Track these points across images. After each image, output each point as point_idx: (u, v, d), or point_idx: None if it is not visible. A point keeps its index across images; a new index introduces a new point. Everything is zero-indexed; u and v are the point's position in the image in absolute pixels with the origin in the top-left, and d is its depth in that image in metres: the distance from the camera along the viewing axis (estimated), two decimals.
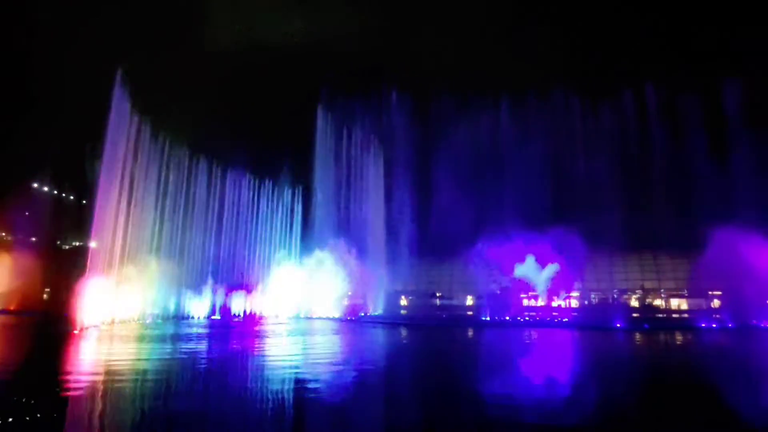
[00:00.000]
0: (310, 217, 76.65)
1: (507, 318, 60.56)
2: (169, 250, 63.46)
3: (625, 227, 58.78)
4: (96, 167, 43.24)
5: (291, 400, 14.09)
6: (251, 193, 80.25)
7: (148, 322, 48.99)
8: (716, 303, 61.48)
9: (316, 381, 17.21)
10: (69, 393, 14.12)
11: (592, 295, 70.16)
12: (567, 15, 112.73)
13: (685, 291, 67.89)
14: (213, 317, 61.59)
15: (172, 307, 58.53)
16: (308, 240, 74.57)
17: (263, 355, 24.96)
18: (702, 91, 63.67)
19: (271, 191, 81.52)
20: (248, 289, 69.17)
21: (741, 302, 51.56)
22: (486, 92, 74.20)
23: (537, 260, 63.24)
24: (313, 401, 13.90)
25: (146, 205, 57.27)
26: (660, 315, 64.76)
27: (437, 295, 75.95)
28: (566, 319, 60.24)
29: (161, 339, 31.90)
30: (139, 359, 22.89)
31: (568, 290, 65.92)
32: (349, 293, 69.94)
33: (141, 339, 31.67)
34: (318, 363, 21.91)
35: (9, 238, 72.76)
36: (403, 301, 75.74)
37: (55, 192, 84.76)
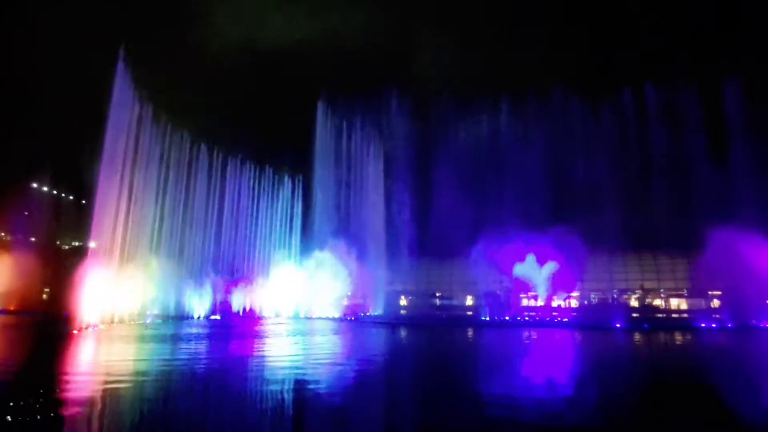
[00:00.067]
0: (310, 216, 76.73)
1: (507, 318, 60.58)
2: (168, 248, 63.55)
3: (625, 227, 58.80)
4: (96, 164, 43.24)
5: (294, 401, 14.08)
6: (251, 191, 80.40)
7: (147, 321, 48.96)
8: (716, 303, 61.50)
9: (318, 381, 17.21)
10: (68, 394, 14.09)
11: (592, 295, 70.20)
12: (567, 15, 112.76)
13: (685, 291, 67.94)
14: (213, 317, 61.60)
15: (171, 307, 58.53)
16: (308, 239, 74.63)
17: (264, 356, 24.94)
18: (702, 91, 63.76)
19: (271, 191, 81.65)
20: (248, 288, 69.22)
21: (741, 302, 51.56)
22: (486, 92, 74.32)
23: (537, 260, 63.25)
24: (316, 402, 13.90)
25: (146, 202, 57.31)
26: (659, 315, 64.78)
27: (437, 295, 75.99)
28: (566, 319, 60.25)
29: (161, 339, 31.89)
30: (138, 360, 22.87)
31: (568, 290, 65.94)
32: (349, 293, 69.95)
33: (141, 339, 31.64)
34: (320, 363, 21.91)
35: (9, 238, 72.76)
36: (403, 301, 75.78)
37: (55, 192, 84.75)
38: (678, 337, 41.34)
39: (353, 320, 60.85)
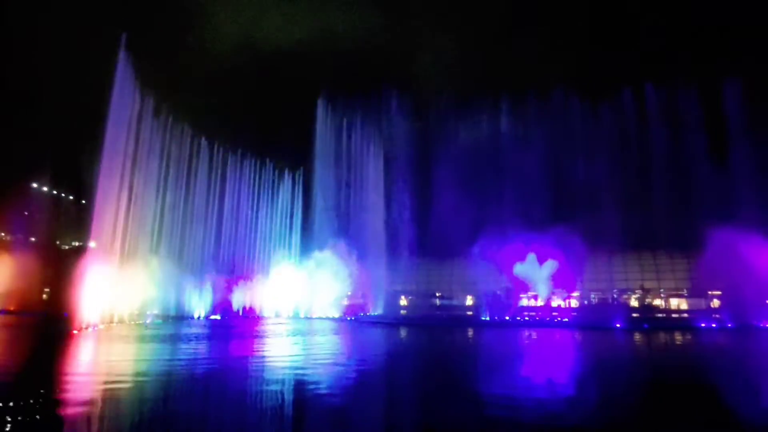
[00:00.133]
0: (309, 216, 76.77)
1: (507, 318, 60.62)
2: (168, 247, 63.55)
3: (625, 227, 58.84)
4: (96, 162, 43.26)
5: (295, 402, 14.08)
6: (251, 190, 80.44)
7: (147, 321, 48.96)
8: (716, 303, 61.52)
9: (319, 382, 17.20)
10: (68, 395, 14.09)
11: (592, 295, 70.23)
12: (567, 15, 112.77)
13: (685, 291, 67.97)
14: (212, 317, 61.61)
15: (171, 307, 58.55)
16: (308, 239, 74.67)
17: (265, 356, 24.93)
18: (702, 91, 63.78)
19: (271, 190, 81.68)
20: (248, 288, 69.24)
21: (740, 302, 51.58)
22: (486, 92, 74.34)
23: (537, 260, 63.26)
24: (317, 402, 13.89)
25: (146, 201, 57.38)
26: (659, 315, 64.79)
27: (437, 295, 75.99)
28: (566, 319, 60.28)
29: (161, 339, 31.89)
30: (138, 360, 22.87)
31: (568, 290, 65.99)
32: (349, 293, 69.98)
33: (141, 340, 31.64)
34: (320, 363, 21.91)
35: (9, 238, 72.76)
36: (403, 301, 75.79)
37: (55, 192, 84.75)
38: (678, 337, 41.35)
39: (353, 320, 60.87)
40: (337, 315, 65.81)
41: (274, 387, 16.36)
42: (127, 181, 49.35)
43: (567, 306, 67.41)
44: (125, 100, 47.38)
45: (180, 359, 22.93)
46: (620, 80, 72.04)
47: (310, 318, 64.01)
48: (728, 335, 43.53)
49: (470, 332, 46.46)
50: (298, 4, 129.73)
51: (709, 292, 63.09)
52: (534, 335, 41.72)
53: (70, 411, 12.12)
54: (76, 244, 73.43)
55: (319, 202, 75.22)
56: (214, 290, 64.94)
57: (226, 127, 77.55)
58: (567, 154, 67.54)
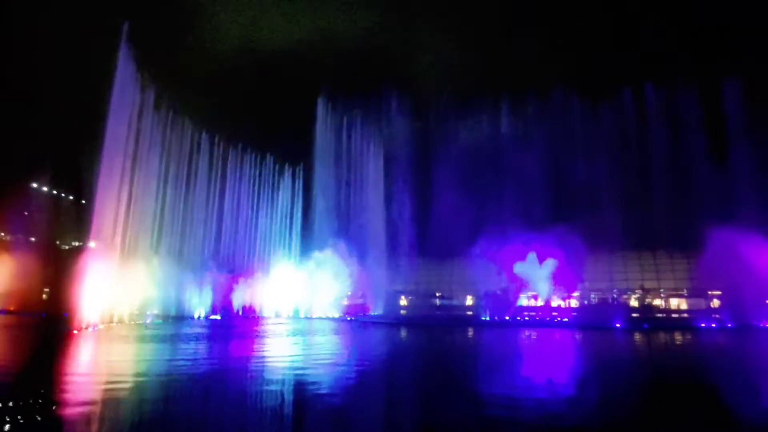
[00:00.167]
0: (310, 216, 76.77)
1: (507, 318, 60.61)
2: (168, 246, 63.52)
3: (625, 227, 58.83)
4: (96, 160, 43.28)
5: (296, 403, 14.07)
6: (252, 189, 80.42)
7: (147, 321, 48.95)
8: (716, 303, 61.50)
9: (319, 383, 17.19)
10: (68, 395, 14.09)
11: (592, 295, 70.16)
12: (567, 15, 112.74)
13: (685, 291, 67.92)
14: (212, 316, 61.60)
15: (171, 306, 58.53)
16: (308, 239, 74.68)
17: (266, 356, 24.94)
18: (702, 91, 63.78)
19: (271, 189, 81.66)
20: (248, 287, 69.21)
21: (740, 302, 51.58)
22: (486, 92, 74.30)
23: (537, 259, 63.26)
24: (318, 403, 13.88)
25: (146, 199, 57.39)
26: (659, 315, 64.78)
27: (437, 295, 75.95)
28: (566, 319, 60.29)
29: (161, 339, 31.88)
30: (139, 361, 22.87)
31: (568, 289, 65.94)
32: (349, 293, 69.97)
33: (141, 340, 31.62)
34: (321, 364, 21.92)
35: (9, 238, 72.73)
36: (403, 301, 75.75)
37: (55, 192, 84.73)
38: (678, 337, 41.35)
39: (353, 320, 60.86)
40: (337, 315, 65.82)
41: (275, 387, 16.36)
42: (128, 179, 49.41)
43: (567, 306, 67.37)
44: (126, 94, 47.51)
45: (181, 359, 22.93)
46: (620, 80, 72.03)
47: (310, 318, 64.00)
48: (728, 335, 43.53)
49: (470, 332, 46.47)
50: (298, 3, 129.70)
51: (709, 292, 63.07)
52: (534, 335, 41.73)
53: (70, 412, 12.12)
54: (76, 244, 73.38)
55: (320, 202, 75.22)
56: (214, 290, 64.92)
57: (226, 124, 77.49)
58: (567, 154, 67.60)
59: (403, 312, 71.43)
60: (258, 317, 64.69)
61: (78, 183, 53.13)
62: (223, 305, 65.57)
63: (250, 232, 79.49)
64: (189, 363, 21.81)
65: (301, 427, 11.75)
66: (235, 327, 45.73)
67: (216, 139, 75.89)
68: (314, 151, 77.25)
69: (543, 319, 60.25)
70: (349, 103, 77.04)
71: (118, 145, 46.48)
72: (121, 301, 47.01)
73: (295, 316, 66.54)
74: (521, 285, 64.42)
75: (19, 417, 10.55)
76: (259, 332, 39.84)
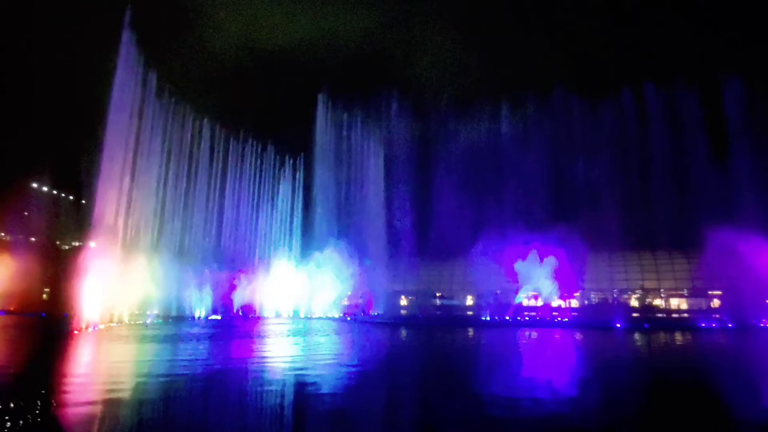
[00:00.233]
0: (310, 216, 76.74)
1: (507, 318, 60.61)
2: (169, 245, 63.44)
3: (625, 227, 58.82)
4: (96, 159, 43.28)
5: (298, 403, 14.04)
6: (252, 188, 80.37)
7: (148, 322, 48.91)
8: (716, 303, 61.52)
9: (321, 383, 17.16)
10: (69, 396, 14.06)
11: (592, 295, 70.15)
12: (567, 15, 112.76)
13: (685, 291, 67.91)
14: (213, 317, 61.54)
15: (172, 306, 58.44)
16: (308, 239, 74.65)
17: (267, 357, 24.93)
18: (702, 91, 63.81)
19: (271, 189, 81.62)
20: (248, 287, 69.17)
21: (741, 302, 51.60)
22: (486, 92, 74.36)
23: (537, 259, 63.26)
24: (320, 404, 13.87)
25: (146, 198, 57.31)
26: (660, 315, 64.79)
27: (437, 295, 75.94)
28: (566, 319, 60.31)
29: (162, 340, 31.84)
30: (139, 361, 22.84)
31: (569, 290, 65.93)
32: (349, 293, 69.95)
33: (141, 340, 31.58)
34: (321, 364, 21.91)
35: (9, 238, 72.69)
36: (403, 301, 75.74)
37: (55, 192, 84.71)
38: (678, 337, 41.35)
39: (353, 320, 60.84)
40: (337, 315, 65.82)
41: (276, 388, 16.35)
42: (128, 178, 49.36)
43: (567, 306, 67.37)
44: (127, 91, 47.43)
45: (181, 360, 22.91)
46: (620, 80, 72.11)
47: (310, 318, 63.97)
48: (729, 335, 43.52)
49: (470, 332, 46.45)
50: (300, 2, 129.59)
51: (710, 292, 63.09)
52: (534, 335, 41.72)
53: (70, 413, 12.10)
54: (76, 244, 73.38)
55: (320, 202, 75.18)
56: (215, 289, 64.82)
57: (227, 121, 77.44)
58: (567, 154, 67.58)
59: (403, 312, 71.43)
60: (258, 317, 64.66)
61: (78, 183, 53.13)
62: (223, 305, 65.52)
63: (250, 230, 79.45)
64: (190, 364, 21.78)
65: (302, 427, 11.74)
66: (235, 327, 45.71)
67: (217, 135, 75.85)
68: (314, 149, 77.26)
69: (543, 319, 60.26)
70: (350, 103, 77.13)
71: (119, 143, 46.42)
72: (121, 301, 46.95)
73: (295, 316, 66.51)
74: (521, 285, 64.43)
75: (19, 418, 10.53)
76: (259, 332, 39.83)
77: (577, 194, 62.88)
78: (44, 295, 64.67)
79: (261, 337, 36.06)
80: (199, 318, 60.19)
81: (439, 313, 68.74)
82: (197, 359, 23.29)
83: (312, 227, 75.12)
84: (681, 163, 61.77)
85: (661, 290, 69.07)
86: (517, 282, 63.97)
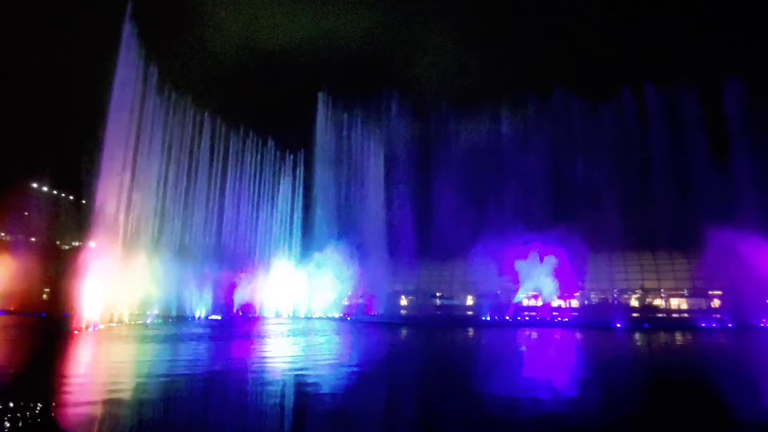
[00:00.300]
0: (310, 216, 76.70)
1: (507, 318, 60.61)
2: (169, 245, 63.41)
3: (625, 227, 58.79)
4: (96, 158, 43.24)
5: (300, 404, 14.03)
6: (253, 187, 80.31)
7: (148, 322, 48.88)
8: (716, 303, 61.53)
9: (322, 384, 17.15)
10: (69, 397, 14.05)
11: (592, 295, 70.19)
12: (567, 15, 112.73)
13: (685, 291, 67.94)
14: (213, 317, 61.51)
15: (172, 307, 58.41)
16: (309, 239, 74.61)
17: (267, 357, 24.92)
18: (702, 91, 63.80)
19: (272, 188, 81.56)
20: (248, 287, 69.16)
21: (741, 302, 51.60)
22: (486, 92, 74.38)
23: (537, 259, 63.26)
24: (322, 405, 13.86)
25: (147, 198, 57.24)
26: (660, 315, 64.81)
27: (437, 295, 75.95)
28: (566, 319, 60.32)
29: (162, 340, 31.81)
30: (140, 362, 22.83)
31: (569, 290, 65.96)
32: (349, 293, 69.93)
33: (142, 340, 31.56)
34: (322, 365, 21.91)
35: (9, 238, 72.67)
36: (404, 301, 75.75)
37: (55, 192, 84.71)
38: (678, 337, 41.33)
39: (353, 320, 60.82)
40: (337, 315, 65.81)
41: (276, 388, 16.33)
42: (128, 177, 49.28)
43: (567, 306, 67.39)
44: (127, 89, 47.35)
45: (182, 360, 22.89)
46: (620, 80, 72.13)
47: (311, 318, 63.95)
48: (729, 335, 43.51)
49: (470, 332, 46.42)
50: (300, 2, 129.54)
51: (710, 292, 63.12)
52: (534, 335, 41.70)
53: (70, 413, 12.09)
54: (76, 244, 73.36)
55: (320, 202, 75.14)
56: (215, 289, 64.79)
57: (228, 118, 77.38)
58: (567, 154, 67.56)
59: (403, 312, 71.43)
60: (258, 317, 64.63)
61: (78, 183, 53.14)
62: (223, 305, 65.49)
63: (250, 229, 79.41)
64: (190, 364, 21.78)
65: (302, 428, 11.74)
66: (235, 327, 45.68)
67: (217, 133, 75.79)
68: (314, 149, 77.25)
69: (543, 319, 60.26)
70: (350, 103, 77.13)
71: (119, 142, 46.34)
72: (122, 301, 46.92)
73: (295, 316, 66.48)
74: (522, 284, 64.44)
75: (19, 418, 10.52)
76: (259, 332, 39.81)
77: (578, 194, 62.90)
78: (44, 295, 64.64)
79: (261, 337, 36.04)
80: (199, 318, 60.18)
81: (439, 313, 68.76)
82: (198, 359, 23.28)
83: (312, 227, 75.12)
84: (681, 163, 61.78)
85: (662, 290, 69.10)
86: (518, 282, 64.01)
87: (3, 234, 74.37)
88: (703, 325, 51.34)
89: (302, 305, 68.15)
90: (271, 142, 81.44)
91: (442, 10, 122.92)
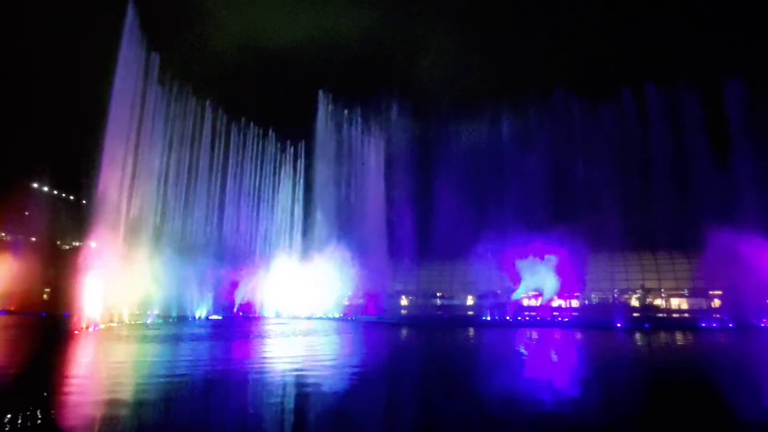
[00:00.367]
0: (310, 216, 76.63)
1: (508, 318, 60.57)
2: (169, 245, 63.35)
3: (626, 227, 58.75)
4: (96, 157, 43.20)
5: (301, 405, 14.00)
6: (253, 186, 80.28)
7: (148, 322, 48.86)
8: (717, 303, 61.50)
9: (323, 384, 17.14)
10: (68, 397, 14.03)
11: (593, 295, 70.18)
12: (567, 16, 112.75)
13: (686, 291, 67.94)
14: (213, 317, 61.50)
15: (172, 307, 58.36)
16: (309, 239, 74.56)
17: (268, 357, 24.91)
18: (703, 91, 63.77)
19: (272, 188, 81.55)
20: (249, 287, 69.13)
21: (741, 302, 51.57)
22: (487, 93, 74.36)
23: (538, 259, 63.26)
24: (322, 404, 13.84)
25: (147, 197, 57.21)
26: (660, 315, 64.77)
27: (438, 295, 75.95)
28: (567, 319, 60.27)
29: (163, 340, 31.78)
30: (141, 362, 22.81)
31: (569, 290, 65.94)
32: (350, 293, 69.91)
33: (142, 340, 31.54)
34: (324, 365, 21.89)
35: (9, 238, 72.67)
36: (404, 301, 75.75)
37: (55, 192, 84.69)
38: (679, 337, 41.29)
39: (354, 320, 60.79)
40: (338, 315, 65.77)
41: (277, 389, 16.31)
42: (128, 176, 49.23)
43: (568, 306, 67.37)
44: (128, 87, 47.33)
45: (182, 361, 22.87)
46: (620, 80, 72.10)
47: (311, 318, 63.91)
48: (729, 335, 43.48)
49: (471, 332, 46.39)
50: (301, 2, 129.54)
51: (710, 292, 63.09)
52: (535, 335, 41.67)
53: (70, 414, 12.06)
54: (76, 244, 73.32)
55: (320, 203, 75.10)
56: (215, 289, 64.75)
57: (229, 116, 77.31)
58: (568, 154, 67.52)
59: (403, 312, 71.41)
60: (258, 317, 64.61)
61: (78, 183, 53.08)
62: (223, 305, 65.46)
63: (250, 229, 79.39)
64: (191, 364, 21.76)
65: (303, 428, 11.71)
66: (236, 327, 45.66)
67: (217, 133, 75.75)
68: (315, 150, 77.24)
69: (544, 319, 60.22)
70: (350, 102, 77.16)
71: (119, 140, 46.29)
72: (122, 301, 46.88)
73: (296, 316, 66.45)
74: (522, 284, 64.43)
75: (19, 418, 10.49)
76: (260, 332, 39.78)
77: (578, 194, 62.82)
78: (44, 295, 64.62)
79: (262, 337, 36.01)
80: (199, 318, 60.15)
81: (439, 313, 68.74)
82: (198, 360, 23.25)
83: (313, 227, 75.07)
84: (682, 163, 61.71)
85: (662, 290, 69.10)
86: (518, 282, 64.01)
87: (3, 234, 74.37)
88: (704, 325, 51.30)
89: (303, 305, 68.11)
90: (270, 141, 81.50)
91: (443, 10, 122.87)
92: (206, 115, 72.90)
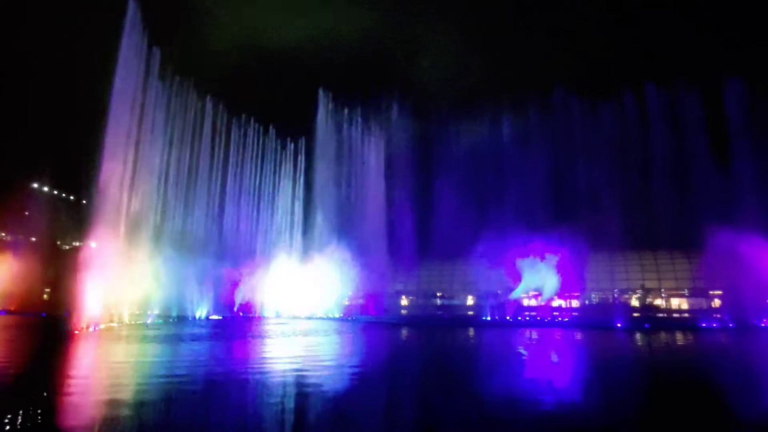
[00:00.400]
0: (311, 216, 76.63)
1: (508, 318, 60.57)
2: (169, 245, 63.34)
3: (626, 227, 58.74)
4: (97, 158, 43.18)
5: (302, 405, 13.99)
6: (253, 186, 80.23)
7: (148, 322, 48.85)
8: (717, 303, 61.49)
9: (324, 384, 17.14)
10: (69, 397, 14.02)
11: (593, 295, 70.15)
12: (567, 16, 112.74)
13: (686, 290, 67.90)
14: (213, 317, 61.51)
15: (172, 306, 58.36)
16: (309, 239, 74.56)
17: (269, 357, 24.91)
18: (703, 91, 63.76)
19: (273, 187, 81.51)
20: (249, 287, 69.11)
21: (742, 302, 51.58)
22: (487, 93, 74.37)
23: (538, 259, 63.23)
24: (322, 404, 13.83)
25: (147, 197, 57.18)
26: (660, 315, 64.76)
27: (438, 295, 75.93)
28: (567, 319, 60.28)
29: (163, 340, 31.77)
30: (141, 362, 22.79)
31: (569, 290, 65.93)
32: (350, 293, 69.91)
33: (143, 340, 31.52)
34: (325, 365, 21.88)
35: (9, 238, 72.70)
36: (404, 301, 75.74)
37: (55, 192, 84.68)
38: (679, 337, 41.29)
39: (355, 320, 60.79)
40: (338, 315, 65.77)
41: (278, 389, 16.30)
42: (128, 176, 49.20)
43: (568, 306, 67.36)
44: (129, 86, 47.31)
45: (183, 361, 22.86)
46: (621, 81, 72.09)
47: (312, 318, 63.91)
48: (729, 335, 43.48)
49: (471, 332, 46.39)
50: (301, 2, 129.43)
51: (711, 292, 63.08)
52: (535, 335, 41.66)
53: (71, 414, 12.05)
54: (76, 243, 73.32)
55: (320, 203, 75.10)
56: (215, 289, 64.74)
57: (225, 119, 77.26)
58: (568, 154, 67.52)
59: (404, 312, 71.44)
60: (259, 317, 64.61)
61: (78, 183, 53.05)
62: (223, 305, 65.46)
63: (250, 229, 79.35)
64: (191, 364, 21.74)
65: (304, 428, 11.71)
66: (236, 327, 45.66)
67: (218, 128, 75.67)
68: (315, 150, 77.24)
69: (544, 318, 60.23)
70: (350, 102, 77.17)
71: (119, 137, 46.25)
72: (122, 301, 46.86)
73: (296, 316, 66.43)
74: (522, 285, 64.41)
75: (19, 418, 10.48)
76: (260, 332, 39.78)
77: (578, 194, 62.84)
78: (45, 295, 64.66)
79: (262, 337, 36.00)
80: (199, 318, 60.15)
81: (439, 313, 68.76)
82: (198, 360, 23.24)
83: (313, 228, 75.06)
84: (682, 163, 61.71)
85: (662, 290, 69.06)
86: (518, 282, 64.00)
87: (3, 234, 74.40)
88: (704, 325, 51.30)
89: (303, 305, 68.10)
90: (270, 141, 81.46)
91: (443, 10, 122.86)
92: (206, 112, 72.83)
